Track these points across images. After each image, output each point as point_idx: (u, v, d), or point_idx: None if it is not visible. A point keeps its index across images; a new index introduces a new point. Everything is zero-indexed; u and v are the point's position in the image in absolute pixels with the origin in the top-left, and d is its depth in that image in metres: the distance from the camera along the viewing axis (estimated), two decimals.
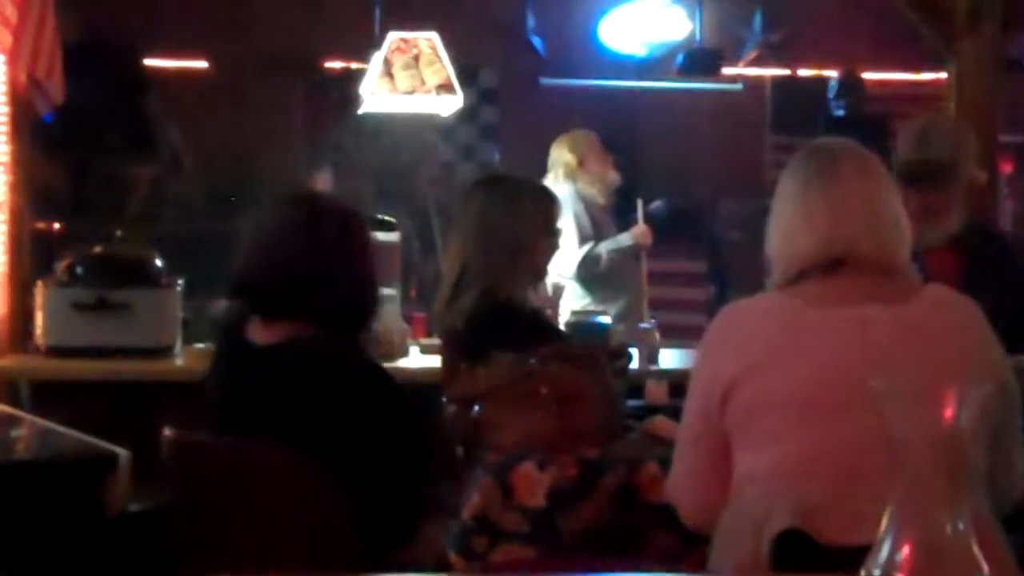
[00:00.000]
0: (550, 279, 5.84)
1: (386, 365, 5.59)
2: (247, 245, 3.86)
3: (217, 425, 3.87)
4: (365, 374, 3.81)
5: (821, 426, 2.73)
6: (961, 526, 1.43)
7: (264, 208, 3.97)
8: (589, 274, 7.33)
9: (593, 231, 7.39)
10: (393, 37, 7.12)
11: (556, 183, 7.27)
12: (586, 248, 7.29)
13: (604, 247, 7.34)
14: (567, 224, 6.84)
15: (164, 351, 5.83)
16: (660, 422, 4.21)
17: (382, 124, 9.70)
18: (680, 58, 10.47)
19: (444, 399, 4.02)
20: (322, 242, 3.80)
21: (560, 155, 7.58)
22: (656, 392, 4.99)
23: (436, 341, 5.41)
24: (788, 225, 2.97)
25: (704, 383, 2.92)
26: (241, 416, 3.80)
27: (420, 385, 5.13)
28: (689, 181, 11.49)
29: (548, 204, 4.88)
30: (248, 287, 3.83)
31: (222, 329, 4.11)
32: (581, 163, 7.54)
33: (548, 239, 4.85)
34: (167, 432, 3.80)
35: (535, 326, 4.67)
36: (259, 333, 3.82)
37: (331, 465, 3.56)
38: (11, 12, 5.49)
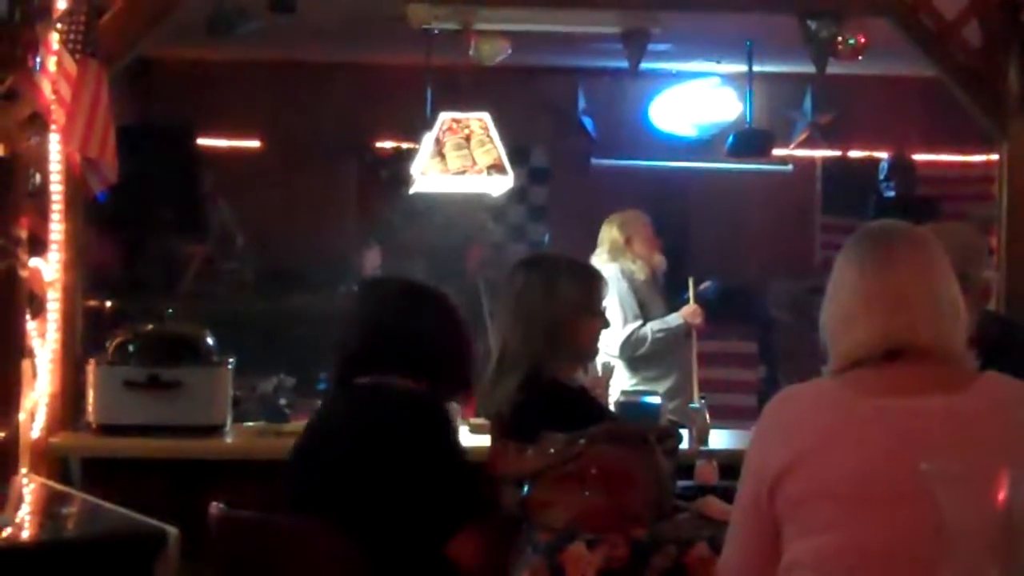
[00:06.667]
0: (600, 358, 5.79)
1: None
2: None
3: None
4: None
5: (871, 516, 2.70)
6: None
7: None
8: (634, 353, 7.30)
9: (640, 310, 7.37)
10: (445, 117, 7.15)
11: (602, 262, 7.25)
12: (632, 327, 7.27)
13: (651, 327, 7.32)
14: (612, 303, 6.81)
15: (215, 429, 5.84)
16: (710, 502, 4.19)
17: (433, 204, 9.71)
18: (730, 139, 10.46)
19: (494, 479, 4.01)
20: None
21: (607, 234, 7.58)
22: (706, 472, 4.95)
23: (486, 421, 5.37)
24: (846, 313, 2.91)
25: (755, 470, 2.90)
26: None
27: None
28: (739, 262, 11.47)
29: (590, 284, 4.69)
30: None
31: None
32: (627, 243, 7.52)
33: (590, 319, 4.65)
34: (213, 509, 3.80)
35: (583, 406, 4.62)
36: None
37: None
38: (65, 91, 5.53)
